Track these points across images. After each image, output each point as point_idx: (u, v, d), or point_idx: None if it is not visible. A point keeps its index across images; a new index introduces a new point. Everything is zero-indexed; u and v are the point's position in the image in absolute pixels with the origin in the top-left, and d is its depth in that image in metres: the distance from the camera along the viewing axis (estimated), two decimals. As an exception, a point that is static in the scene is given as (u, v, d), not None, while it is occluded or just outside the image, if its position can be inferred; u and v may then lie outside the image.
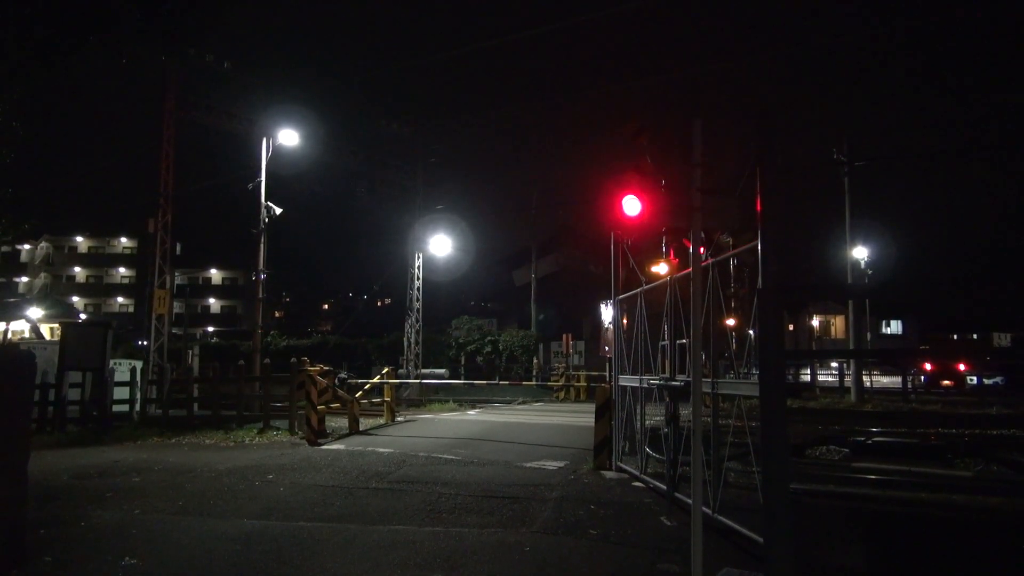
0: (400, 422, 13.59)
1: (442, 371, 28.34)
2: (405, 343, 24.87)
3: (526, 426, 12.44)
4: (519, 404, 20.03)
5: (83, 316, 36.49)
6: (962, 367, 25.59)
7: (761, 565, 4.55)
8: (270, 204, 17.72)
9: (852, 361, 22.55)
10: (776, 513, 4.28)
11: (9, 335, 21.14)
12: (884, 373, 28.83)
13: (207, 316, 60.53)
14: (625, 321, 8.50)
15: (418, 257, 25.68)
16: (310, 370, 11.65)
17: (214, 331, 55.32)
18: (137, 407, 14.63)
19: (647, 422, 7.95)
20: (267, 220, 17.69)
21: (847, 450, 9.64)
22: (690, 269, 5.32)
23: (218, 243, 49.94)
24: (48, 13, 7.95)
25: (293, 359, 12.37)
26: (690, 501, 4.62)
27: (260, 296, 17.79)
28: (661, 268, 8.10)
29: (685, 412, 6.44)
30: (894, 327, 54.20)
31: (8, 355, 5.70)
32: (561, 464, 8.52)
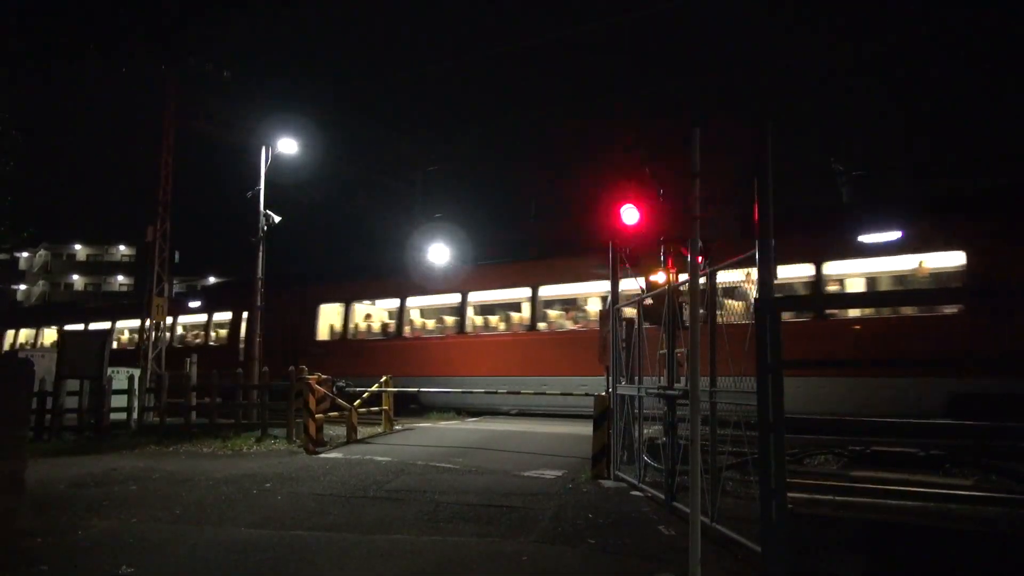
0: (398, 431, 13.56)
1: None
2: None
3: (525, 435, 12.41)
4: (516, 413, 19.98)
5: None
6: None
7: (759, 574, 4.54)
8: (269, 212, 17.73)
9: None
10: (774, 522, 4.28)
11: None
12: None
13: (205, 324, 60.47)
14: (623, 330, 8.50)
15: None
16: (308, 378, 11.64)
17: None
18: (135, 415, 14.59)
19: (645, 431, 7.94)
20: (266, 228, 17.70)
21: (845, 459, 9.63)
22: (688, 278, 5.33)
23: (216, 251, 49.95)
24: (49, 22, 7.99)
25: (291, 367, 12.35)
26: (688, 510, 4.62)
27: (259, 304, 17.77)
28: (659, 277, 8.10)
29: (683, 422, 6.45)
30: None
31: (6, 363, 5.70)
32: (559, 473, 8.50)
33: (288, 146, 18.02)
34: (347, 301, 19.89)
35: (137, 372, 16.22)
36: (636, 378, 7.86)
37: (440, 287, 18.34)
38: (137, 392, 14.87)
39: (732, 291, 5.75)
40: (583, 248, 14.56)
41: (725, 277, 5.64)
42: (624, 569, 4.95)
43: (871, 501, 7.20)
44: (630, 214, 6.48)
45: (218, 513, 6.64)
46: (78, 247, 62.02)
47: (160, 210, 18.79)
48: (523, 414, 17.20)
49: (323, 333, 20.02)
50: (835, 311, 12.67)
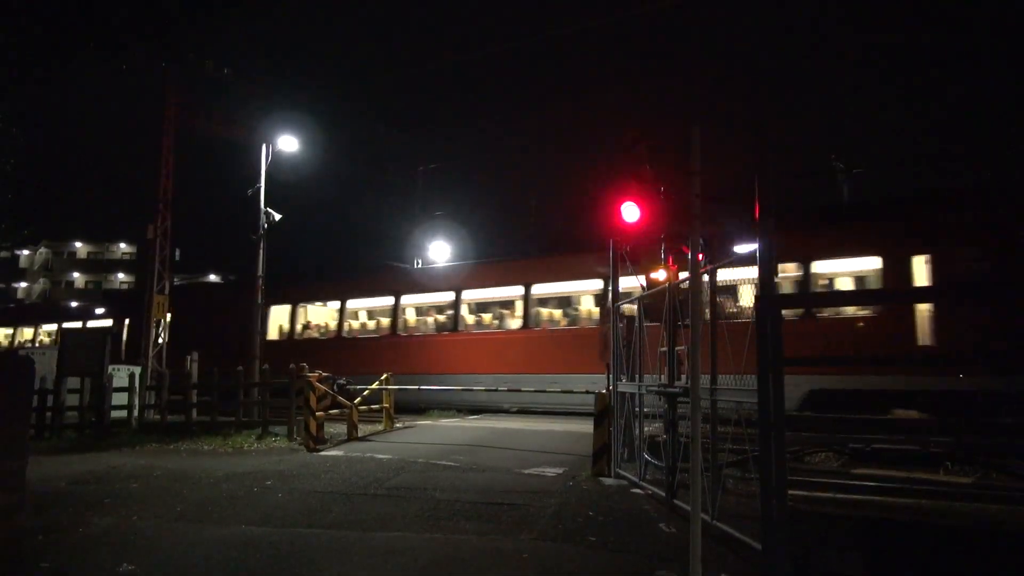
0: (399, 428, 13.57)
1: None
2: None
3: (525, 433, 12.42)
4: (517, 411, 20.00)
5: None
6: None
7: (760, 572, 4.55)
8: (269, 210, 17.73)
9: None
10: (774, 520, 4.28)
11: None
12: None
13: (206, 322, 60.51)
14: (624, 327, 8.50)
15: (418, 264, 25.66)
16: (309, 376, 11.64)
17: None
18: (135, 413, 14.61)
19: (646, 429, 7.94)
20: (266, 226, 17.70)
21: (846, 456, 9.63)
22: (689, 275, 5.32)
23: (217, 249, 49.98)
24: (48, 20, 7.97)
25: (292, 365, 12.35)
26: (689, 508, 4.62)
27: (259, 302, 17.78)
28: (660, 275, 8.10)
29: (684, 419, 6.44)
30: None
31: (6, 361, 5.70)
32: (560, 471, 8.51)
33: (288, 143, 18.03)
34: None
35: (138, 370, 16.23)
36: (637, 376, 7.86)
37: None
38: (138, 390, 14.89)
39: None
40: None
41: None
42: (625, 566, 4.95)
43: (872, 499, 7.20)
44: (631, 211, 6.48)
45: (219, 511, 6.64)
46: (79, 245, 62.08)
47: (160, 208, 18.77)
48: (523, 411, 17.24)
49: None
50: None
